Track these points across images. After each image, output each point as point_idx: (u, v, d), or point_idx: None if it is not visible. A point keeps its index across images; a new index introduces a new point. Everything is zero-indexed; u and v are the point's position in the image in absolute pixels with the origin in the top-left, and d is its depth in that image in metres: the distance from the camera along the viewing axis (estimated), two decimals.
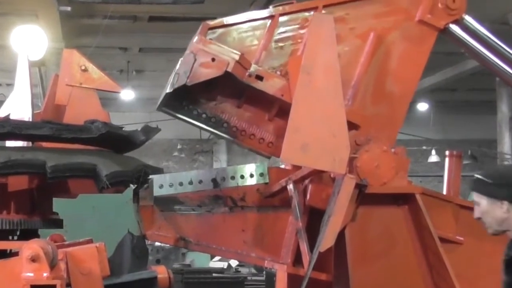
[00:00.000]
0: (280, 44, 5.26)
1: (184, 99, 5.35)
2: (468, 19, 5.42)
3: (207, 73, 5.03)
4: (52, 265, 3.54)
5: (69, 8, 14.44)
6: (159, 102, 5.31)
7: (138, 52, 19.97)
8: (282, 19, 5.26)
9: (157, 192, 5.29)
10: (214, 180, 5.45)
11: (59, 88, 4.54)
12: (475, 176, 4.23)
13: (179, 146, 28.58)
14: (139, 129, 4.37)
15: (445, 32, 5.43)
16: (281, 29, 5.27)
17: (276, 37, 5.26)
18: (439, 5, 5.33)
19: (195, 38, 5.08)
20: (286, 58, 5.22)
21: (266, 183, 5.44)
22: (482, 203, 4.15)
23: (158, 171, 4.51)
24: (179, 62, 5.08)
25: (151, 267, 4.58)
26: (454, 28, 5.42)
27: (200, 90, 5.27)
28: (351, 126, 5.12)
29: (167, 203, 5.45)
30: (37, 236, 4.23)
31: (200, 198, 5.48)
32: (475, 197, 4.19)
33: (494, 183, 4.11)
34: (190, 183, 5.47)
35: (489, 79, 19.31)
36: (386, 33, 5.32)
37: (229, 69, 5.01)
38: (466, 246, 5.27)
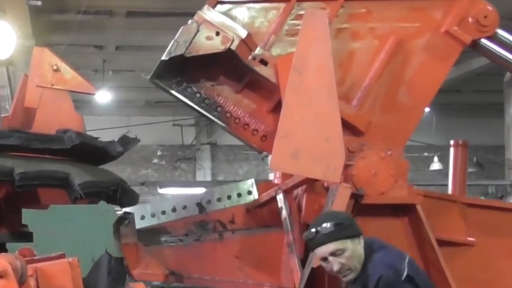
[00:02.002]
0: (292, 32, 5.26)
1: (179, 74, 5.37)
2: (502, 33, 5.42)
3: (209, 46, 5.06)
4: (21, 282, 3.53)
5: (39, 3, 14.39)
6: (152, 72, 5.31)
7: (114, 50, 19.92)
8: (298, 5, 5.28)
9: (138, 224, 5.27)
10: (199, 205, 5.44)
11: (28, 90, 4.53)
12: (328, 226, 4.15)
13: (159, 153, 28.48)
14: (116, 139, 4.37)
15: (475, 47, 5.44)
16: (295, 16, 5.27)
17: (289, 22, 5.28)
18: (469, 19, 5.33)
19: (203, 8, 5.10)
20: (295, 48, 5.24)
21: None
22: (347, 248, 4.16)
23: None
24: (180, 29, 5.10)
25: (128, 284, 4.57)
26: (486, 42, 5.42)
27: (198, 66, 5.29)
28: (354, 131, 5.13)
29: (151, 236, 5.43)
30: (5, 250, 4.23)
31: (186, 226, 5.46)
32: (337, 245, 4.14)
33: (347, 224, 4.20)
34: (174, 210, 5.45)
35: (496, 80, 19.37)
36: (407, 40, 5.33)
37: (233, 47, 5.05)
38: (478, 247, 5.28)
